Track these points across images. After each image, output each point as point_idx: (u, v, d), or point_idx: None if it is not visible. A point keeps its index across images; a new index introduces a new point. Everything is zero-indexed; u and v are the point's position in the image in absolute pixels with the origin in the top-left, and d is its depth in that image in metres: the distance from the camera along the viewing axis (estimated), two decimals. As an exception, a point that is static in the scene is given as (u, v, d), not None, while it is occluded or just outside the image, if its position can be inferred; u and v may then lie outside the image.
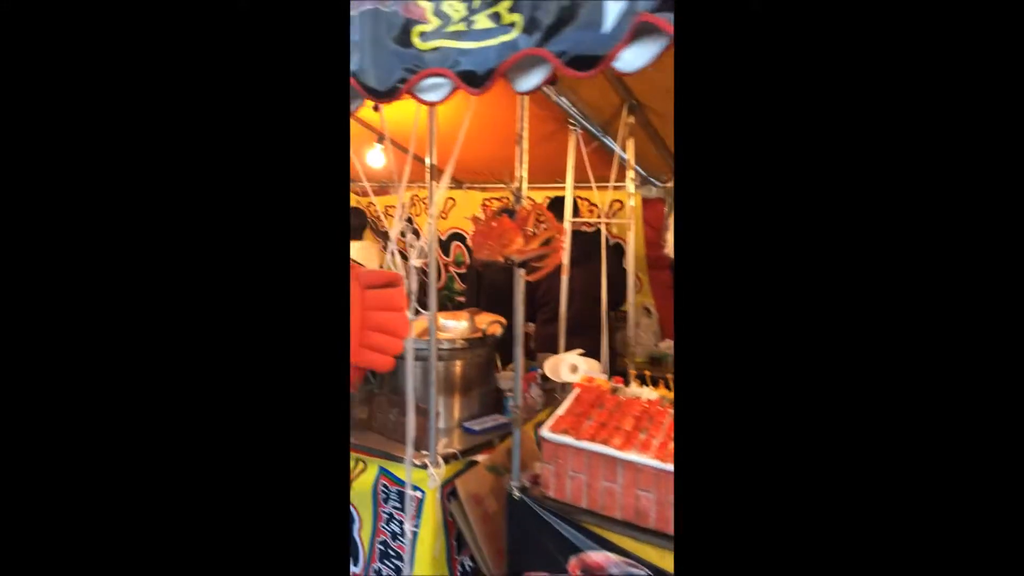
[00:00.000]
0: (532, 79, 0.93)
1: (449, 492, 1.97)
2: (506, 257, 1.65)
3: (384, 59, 1.01)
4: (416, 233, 4.10)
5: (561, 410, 1.78)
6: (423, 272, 4.32)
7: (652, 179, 3.66)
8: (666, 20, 0.84)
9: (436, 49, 0.97)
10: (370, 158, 3.01)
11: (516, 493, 1.73)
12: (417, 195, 3.98)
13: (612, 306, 2.90)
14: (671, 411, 1.71)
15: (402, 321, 1.26)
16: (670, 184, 3.61)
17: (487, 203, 3.69)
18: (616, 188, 2.77)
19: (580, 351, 2.48)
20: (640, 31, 0.86)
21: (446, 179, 1.80)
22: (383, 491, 2.04)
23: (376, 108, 2.90)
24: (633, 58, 0.88)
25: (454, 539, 2.03)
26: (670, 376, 1.86)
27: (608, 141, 2.72)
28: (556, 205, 3.06)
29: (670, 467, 1.48)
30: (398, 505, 2.00)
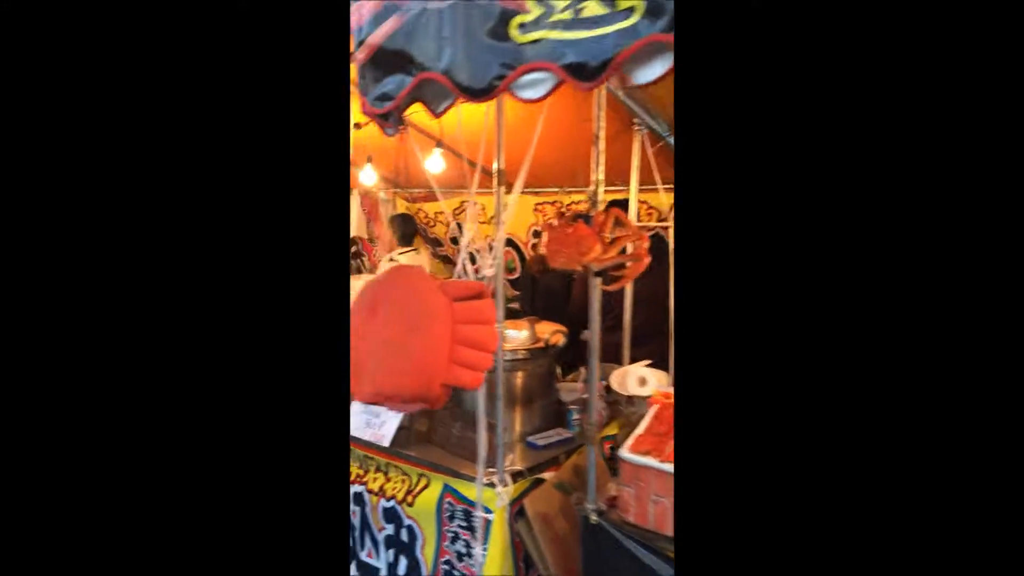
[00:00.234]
0: (653, 69, 0.83)
1: (516, 512, 1.88)
2: (584, 266, 1.56)
3: (478, 54, 0.93)
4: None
5: (640, 428, 1.66)
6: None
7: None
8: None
9: (537, 41, 0.89)
10: (430, 163, 2.95)
11: (593, 517, 1.63)
12: (467, 201, 3.92)
13: (678, 314, 2.77)
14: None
15: (492, 334, 1.18)
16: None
17: (539, 208, 3.60)
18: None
19: (647, 362, 2.36)
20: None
21: (518, 185, 1.71)
22: (447, 508, 1.96)
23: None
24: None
25: (522, 561, 1.94)
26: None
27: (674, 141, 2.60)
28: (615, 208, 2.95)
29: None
30: (464, 524, 1.92)
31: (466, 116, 2.83)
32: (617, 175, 3.19)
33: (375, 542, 2.17)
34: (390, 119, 1.11)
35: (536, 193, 3.63)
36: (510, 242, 3.83)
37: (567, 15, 0.86)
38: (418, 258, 3.67)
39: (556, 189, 3.49)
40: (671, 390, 1.99)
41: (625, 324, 2.57)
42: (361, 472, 2.24)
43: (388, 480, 2.14)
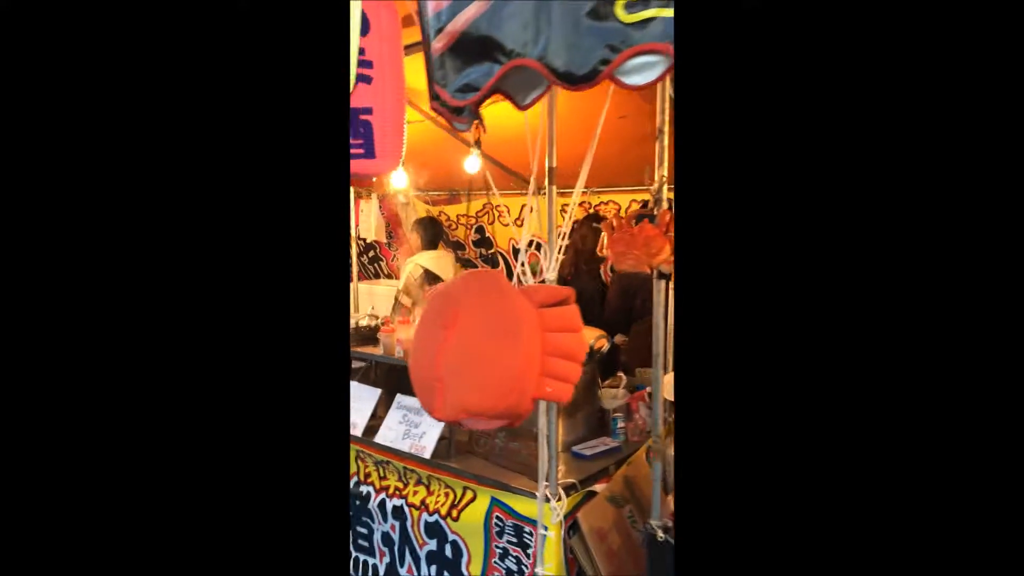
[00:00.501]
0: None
1: (570, 526, 1.79)
2: (654, 268, 1.47)
3: (579, 38, 0.85)
4: (489, 243, 3.96)
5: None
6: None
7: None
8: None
9: (647, 21, 0.80)
10: (468, 164, 2.86)
11: (660, 535, 1.54)
12: (490, 203, 3.84)
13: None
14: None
15: (582, 343, 1.10)
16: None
17: (565, 209, 3.52)
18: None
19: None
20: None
21: (580, 183, 1.63)
22: (497, 524, 1.87)
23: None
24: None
25: (575, 577, 1.85)
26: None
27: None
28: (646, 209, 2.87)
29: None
30: (514, 540, 1.84)
31: (498, 117, 2.74)
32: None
33: (416, 558, 2.09)
34: (465, 113, 1.03)
35: (563, 194, 3.55)
36: (535, 244, 3.76)
37: (682, -8, 0.78)
38: (443, 261, 3.58)
39: (584, 190, 3.41)
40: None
41: (669, 329, 2.48)
42: (401, 485, 2.15)
43: (430, 493, 2.06)
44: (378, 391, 2.37)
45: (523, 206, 3.72)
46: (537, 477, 1.87)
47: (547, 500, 1.75)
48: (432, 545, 2.04)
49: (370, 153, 1.23)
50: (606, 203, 3.55)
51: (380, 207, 4.34)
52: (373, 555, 2.24)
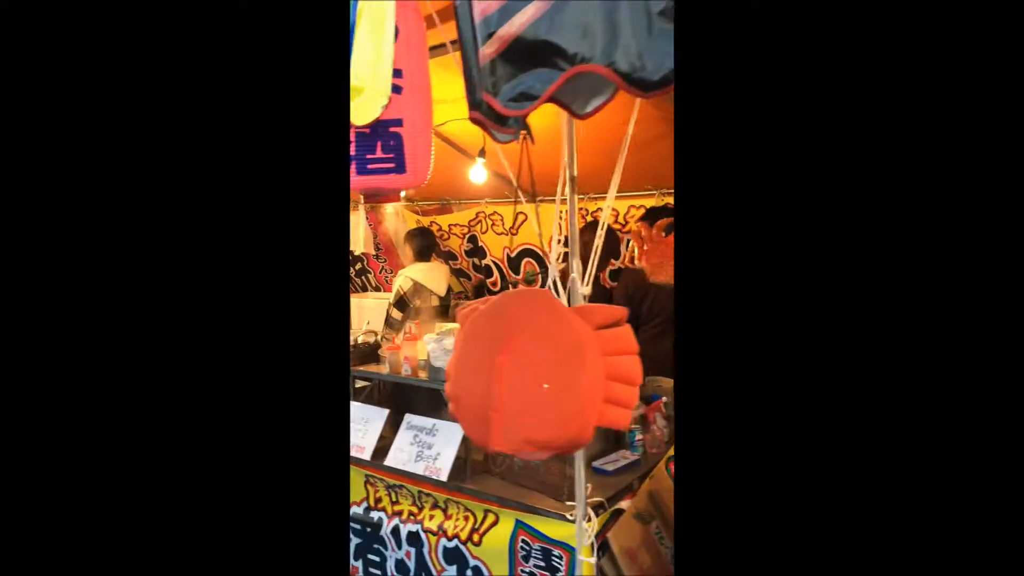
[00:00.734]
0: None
1: (599, 547, 1.73)
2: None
3: (652, 41, 0.79)
4: (483, 252, 3.88)
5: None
6: (483, 286, 4.07)
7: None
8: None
9: (729, 23, 0.75)
10: (473, 174, 2.78)
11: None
12: (483, 211, 3.77)
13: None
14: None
15: (638, 366, 1.04)
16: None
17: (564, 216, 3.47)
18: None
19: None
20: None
21: (613, 188, 1.57)
22: (523, 548, 1.80)
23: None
24: None
25: (606, 600, 1.78)
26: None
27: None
28: (652, 215, 2.83)
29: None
30: (542, 564, 1.76)
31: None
32: (652, 179, 3.09)
33: (434, 585, 2.00)
34: (510, 123, 0.96)
35: (557, 200, 3.49)
36: (531, 253, 3.70)
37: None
38: (435, 273, 3.50)
39: (581, 196, 3.36)
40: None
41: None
42: (415, 509, 2.06)
43: (448, 517, 1.97)
44: (385, 411, 2.28)
45: (517, 214, 3.67)
46: (560, 496, 1.81)
47: (571, 520, 1.68)
48: (452, 572, 1.95)
49: (400, 167, 1.16)
50: (599, 210, 3.51)
51: (368, 219, 4.24)
52: (386, 584, 2.14)
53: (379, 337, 2.92)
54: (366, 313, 4.01)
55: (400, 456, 2.11)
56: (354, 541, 2.25)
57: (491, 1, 0.89)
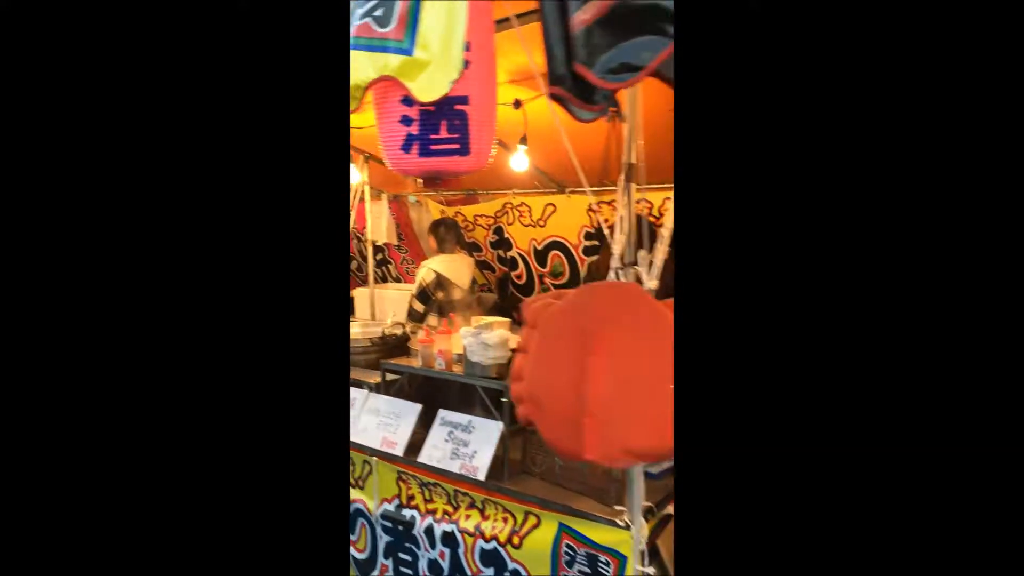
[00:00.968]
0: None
1: (649, 553, 1.65)
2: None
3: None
4: (508, 244, 3.79)
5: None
6: (507, 279, 3.99)
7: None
8: None
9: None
10: (514, 162, 2.68)
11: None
12: (511, 203, 3.68)
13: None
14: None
15: None
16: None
17: (594, 208, 3.37)
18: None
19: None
20: None
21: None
22: (567, 553, 1.72)
23: (517, 105, 2.59)
24: None
25: (654, 609, 1.71)
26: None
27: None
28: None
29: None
30: (587, 570, 1.69)
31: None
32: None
33: (469, 588, 1.93)
34: (598, 98, 0.87)
35: (589, 192, 3.40)
36: (559, 245, 3.61)
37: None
38: (458, 264, 3.42)
39: (614, 187, 3.26)
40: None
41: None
42: (450, 509, 1.99)
43: (486, 518, 1.90)
44: (418, 406, 2.20)
45: (546, 205, 3.57)
46: (606, 500, 1.73)
47: (620, 526, 1.60)
48: (489, 574, 1.88)
49: (464, 149, 1.08)
50: (637, 201, 3.40)
51: (390, 208, 4.17)
52: (418, 584, 2.08)
53: (407, 329, 2.85)
54: (388, 304, 3.94)
55: (434, 453, 2.03)
56: (384, 539, 2.19)
57: (588, -38, 0.80)
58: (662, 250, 1.45)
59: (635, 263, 1.27)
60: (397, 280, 4.69)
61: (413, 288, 3.33)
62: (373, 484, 2.21)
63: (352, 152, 3.18)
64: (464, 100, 1.05)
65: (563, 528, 1.73)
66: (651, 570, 1.55)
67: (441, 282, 3.27)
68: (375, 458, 2.19)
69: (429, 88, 0.97)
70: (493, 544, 1.86)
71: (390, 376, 2.40)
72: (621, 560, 1.61)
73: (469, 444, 1.99)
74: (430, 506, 2.05)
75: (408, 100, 1.04)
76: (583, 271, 3.53)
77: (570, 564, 1.72)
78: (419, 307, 3.23)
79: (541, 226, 3.61)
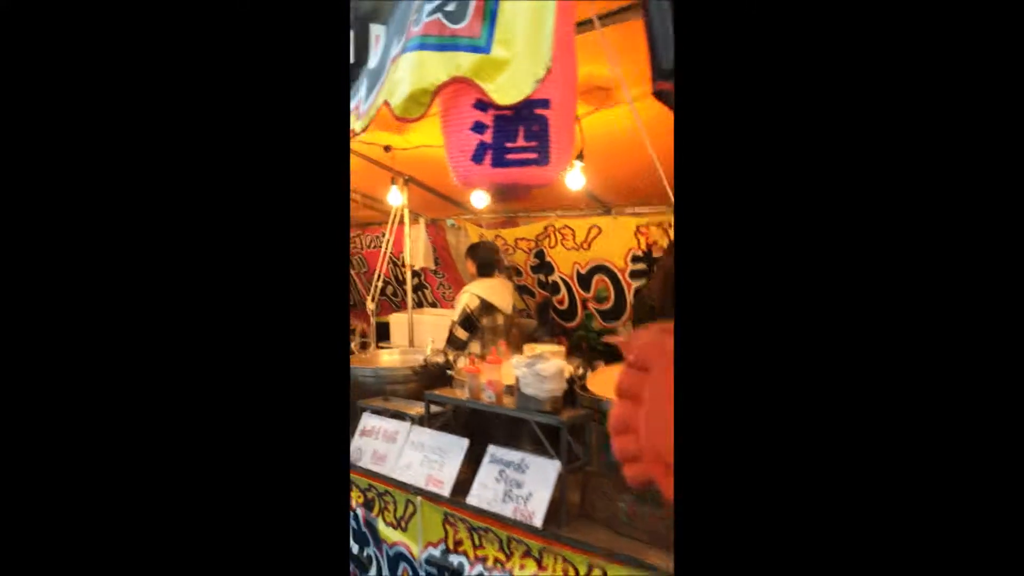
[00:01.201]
0: None
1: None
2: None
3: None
4: (550, 268, 3.65)
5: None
6: (548, 304, 3.84)
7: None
8: None
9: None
10: (569, 179, 2.55)
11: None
12: (553, 225, 3.56)
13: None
14: None
15: None
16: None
17: (641, 230, 3.23)
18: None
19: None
20: None
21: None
22: (638, 613, 1.54)
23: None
24: None
25: None
26: None
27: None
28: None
29: None
30: (662, 633, 1.50)
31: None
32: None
33: (524, 646, 1.75)
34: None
35: (638, 215, 3.26)
36: (604, 269, 3.46)
37: None
38: (501, 290, 3.29)
39: (664, 208, 3.12)
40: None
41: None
42: (503, 556, 1.83)
43: (543, 568, 1.73)
44: (465, 441, 2.06)
45: (591, 227, 3.44)
46: (661, 545, 1.55)
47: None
48: (547, 632, 1.70)
49: (544, 158, 0.95)
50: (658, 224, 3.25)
51: (427, 231, 4.08)
52: (466, 638, 1.90)
53: (449, 358, 2.72)
54: (425, 330, 3.82)
55: (484, 494, 1.88)
56: (429, 586, 2.03)
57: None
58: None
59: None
60: (433, 305, 4.58)
61: (454, 314, 3.21)
62: (417, 526, 2.06)
63: (392, 174, 3.10)
64: (545, 104, 0.92)
65: (633, 584, 1.55)
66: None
67: (486, 308, 3.14)
68: (419, 497, 2.04)
69: (509, 89, 0.85)
70: (552, 598, 1.69)
71: (434, 408, 2.26)
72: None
73: (523, 485, 1.83)
74: (480, 552, 1.89)
75: (482, 104, 0.92)
76: (630, 297, 3.37)
77: (642, 626, 1.53)
78: (462, 334, 3.11)
79: (585, 249, 3.47)
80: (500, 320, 3.22)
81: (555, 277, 3.69)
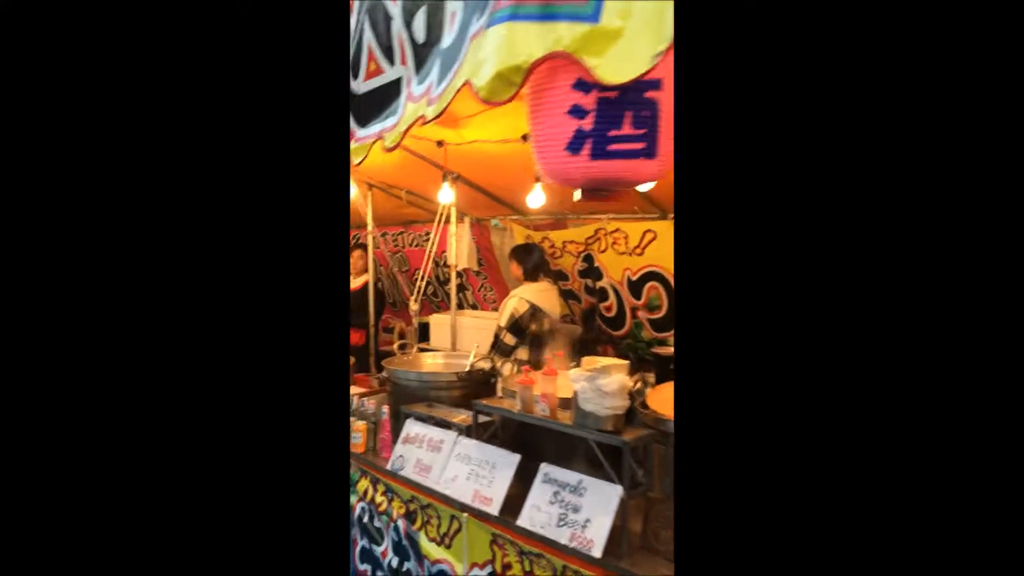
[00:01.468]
0: None
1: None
2: None
3: None
4: (598, 273, 3.49)
5: None
6: (594, 310, 3.68)
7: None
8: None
9: None
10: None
11: None
12: (604, 228, 3.40)
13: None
14: None
15: None
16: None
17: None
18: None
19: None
20: None
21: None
22: (712, 663, 1.38)
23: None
24: None
25: None
26: None
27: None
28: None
29: None
30: None
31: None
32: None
33: None
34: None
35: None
36: (657, 276, 3.29)
37: None
38: (549, 295, 3.16)
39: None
40: None
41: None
42: (556, 586, 1.69)
43: (602, 603, 1.58)
44: (516, 457, 1.92)
45: (644, 232, 3.27)
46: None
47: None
48: (603, 673, 1.56)
49: (650, 150, 0.81)
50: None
51: (472, 231, 3.97)
52: (511, 669, 1.77)
53: (495, 365, 2.59)
54: (466, 332, 3.71)
55: (537, 517, 1.74)
56: (473, 611, 1.90)
57: None
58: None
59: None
60: (474, 307, 4.47)
61: (501, 319, 3.08)
62: (462, 544, 1.94)
63: (443, 171, 2.99)
64: (656, 85, 0.78)
65: (706, 630, 1.40)
66: None
67: (535, 314, 3.01)
68: (465, 514, 1.92)
69: (622, 65, 0.71)
70: (611, 637, 1.54)
71: (482, 418, 2.13)
72: None
73: (580, 509, 1.69)
74: (530, 579, 1.75)
75: (584, 84, 0.79)
76: (684, 306, 3.20)
77: None
78: (510, 340, 2.98)
79: (638, 254, 3.31)
80: (547, 326, 3.09)
81: (603, 283, 3.53)
